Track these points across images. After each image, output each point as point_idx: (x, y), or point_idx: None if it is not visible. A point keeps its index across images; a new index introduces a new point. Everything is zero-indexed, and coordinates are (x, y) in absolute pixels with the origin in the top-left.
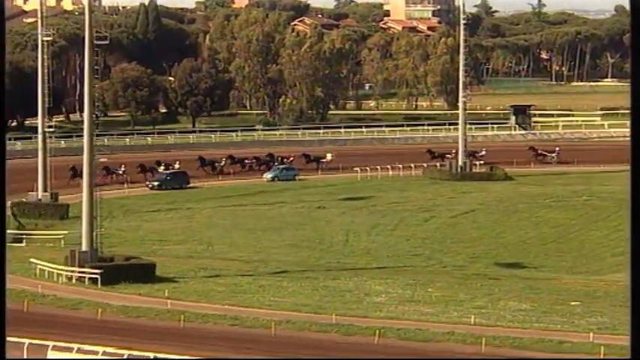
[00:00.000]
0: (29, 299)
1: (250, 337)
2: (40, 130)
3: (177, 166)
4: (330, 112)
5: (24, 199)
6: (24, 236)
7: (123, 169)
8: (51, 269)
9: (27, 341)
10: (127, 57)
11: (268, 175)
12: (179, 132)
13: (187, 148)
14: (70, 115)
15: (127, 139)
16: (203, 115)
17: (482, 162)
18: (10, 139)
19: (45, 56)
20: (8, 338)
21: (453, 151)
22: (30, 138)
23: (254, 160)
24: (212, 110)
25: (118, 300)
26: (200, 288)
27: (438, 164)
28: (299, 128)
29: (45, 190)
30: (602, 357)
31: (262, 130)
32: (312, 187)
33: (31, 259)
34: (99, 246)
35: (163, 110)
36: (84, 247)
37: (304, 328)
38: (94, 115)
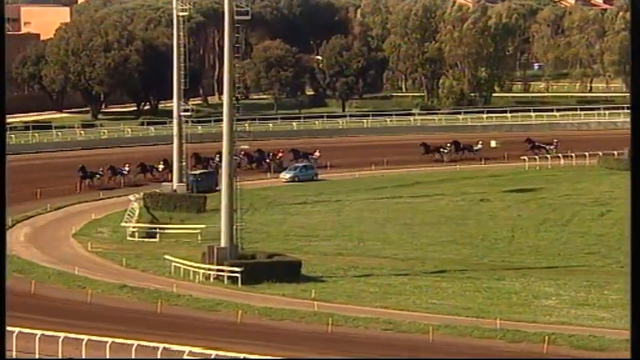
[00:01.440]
0: (163, 300)
1: (405, 343)
2: (175, 114)
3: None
4: (495, 94)
5: (157, 190)
6: (157, 231)
7: (127, 168)
8: (187, 267)
9: (161, 345)
10: (270, 34)
11: (286, 175)
12: (327, 116)
13: (336, 134)
14: (208, 98)
15: (270, 125)
16: (354, 97)
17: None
18: (142, 124)
19: (181, 33)
20: (142, 342)
21: (448, 144)
22: (164, 123)
23: (244, 157)
24: (364, 92)
25: (260, 301)
26: (350, 288)
27: (437, 156)
28: (460, 112)
29: (180, 180)
30: (602, 357)
31: (419, 114)
32: (474, 177)
33: (166, 256)
34: (239, 242)
35: (310, 92)
36: (223, 243)
37: (465, 334)
38: (235, 98)
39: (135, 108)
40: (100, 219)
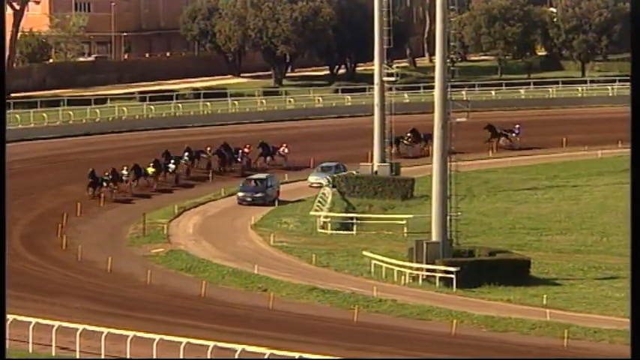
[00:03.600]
0: (361, 305)
1: None
2: (376, 79)
3: (183, 157)
4: None
5: (354, 172)
6: (354, 221)
7: (125, 172)
8: (390, 266)
9: None
10: None
11: (321, 180)
12: (562, 82)
13: (574, 104)
14: (417, 60)
15: (493, 92)
16: (596, 59)
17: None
18: (337, 92)
19: None
20: (335, 358)
21: (408, 134)
22: (363, 90)
23: (214, 155)
24: (608, 53)
25: (480, 308)
26: (590, 293)
27: (394, 149)
28: None
29: (382, 160)
30: (600, 357)
31: None
32: None
33: (364, 252)
34: (454, 235)
35: (542, 53)
36: (434, 237)
37: None
38: (449, 60)
39: (327, 72)
40: (284, 207)
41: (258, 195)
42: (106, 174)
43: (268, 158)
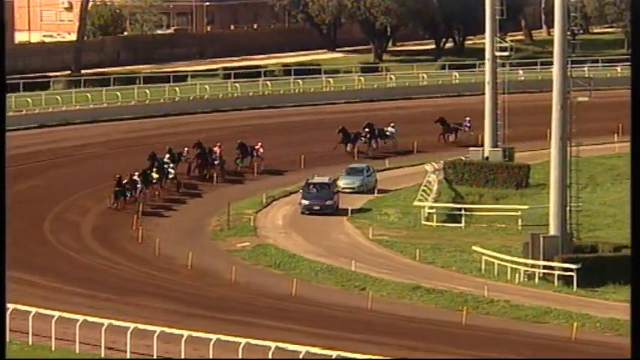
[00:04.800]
0: (470, 306)
1: None
2: (487, 54)
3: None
4: None
5: (463, 158)
6: (462, 212)
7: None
8: (502, 262)
9: None
10: None
11: (355, 183)
12: None
13: None
14: (533, 33)
15: (619, 69)
16: None
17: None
18: (443, 68)
19: None
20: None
21: (367, 130)
22: (473, 67)
23: (195, 158)
24: None
25: (603, 310)
26: None
27: (349, 148)
28: None
29: (494, 145)
30: (601, 357)
31: None
32: None
33: (474, 247)
34: (574, 229)
35: None
36: (552, 231)
37: None
38: (569, 33)
39: (433, 46)
40: (385, 196)
41: (328, 203)
42: (125, 181)
43: (245, 160)
